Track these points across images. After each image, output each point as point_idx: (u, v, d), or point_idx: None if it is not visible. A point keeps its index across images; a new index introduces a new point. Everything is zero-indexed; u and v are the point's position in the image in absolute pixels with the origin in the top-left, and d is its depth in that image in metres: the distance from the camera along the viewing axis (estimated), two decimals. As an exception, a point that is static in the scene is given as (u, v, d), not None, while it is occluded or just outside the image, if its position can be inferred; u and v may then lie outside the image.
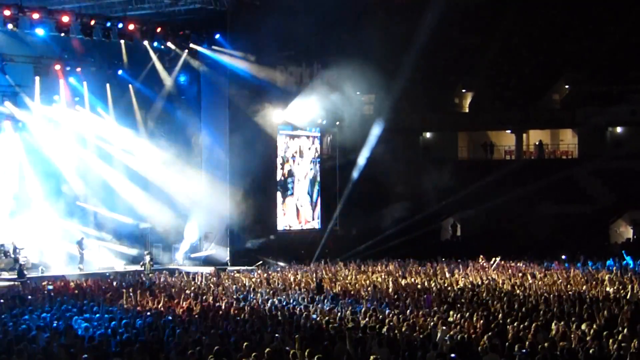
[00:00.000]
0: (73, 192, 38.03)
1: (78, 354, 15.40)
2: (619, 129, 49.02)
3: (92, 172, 38.34)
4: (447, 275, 30.64)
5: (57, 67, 37.17)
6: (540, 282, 27.83)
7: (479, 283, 27.81)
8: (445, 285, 27.32)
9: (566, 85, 50.82)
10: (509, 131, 50.55)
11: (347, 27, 42.65)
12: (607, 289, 25.58)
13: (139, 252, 37.98)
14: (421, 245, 40.62)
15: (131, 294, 23.81)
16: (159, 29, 36.63)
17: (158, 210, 38.30)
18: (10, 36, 34.41)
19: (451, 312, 20.47)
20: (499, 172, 43.62)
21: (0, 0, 31.70)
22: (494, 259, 34.74)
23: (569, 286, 26.65)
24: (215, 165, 39.43)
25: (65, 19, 32.82)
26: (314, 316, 20.21)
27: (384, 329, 17.87)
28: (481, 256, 35.92)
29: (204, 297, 23.88)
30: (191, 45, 38.26)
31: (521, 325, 18.10)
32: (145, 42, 37.11)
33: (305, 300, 23.80)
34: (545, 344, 15.81)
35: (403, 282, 28.49)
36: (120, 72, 39.28)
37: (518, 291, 25.39)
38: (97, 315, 20.54)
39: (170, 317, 20.08)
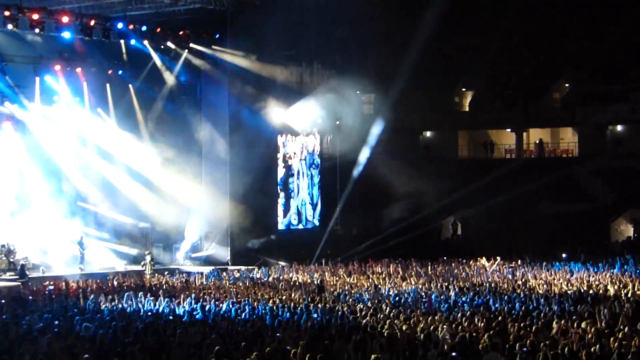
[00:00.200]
0: (74, 192, 38.00)
1: (79, 355, 15.40)
2: (619, 128, 48.98)
3: (93, 172, 38.30)
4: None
5: (57, 67, 37.07)
6: (540, 282, 27.83)
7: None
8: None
9: (566, 84, 50.82)
10: (509, 130, 50.52)
11: (347, 27, 42.60)
12: (609, 287, 25.60)
13: (139, 252, 37.91)
14: (421, 245, 40.63)
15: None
16: (159, 29, 36.65)
17: (159, 210, 38.26)
18: (10, 36, 34.32)
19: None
20: (499, 171, 43.52)
21: (1, 0, 31.68)
22: (492, 260, 34.74)
23: (569, 285, 26.66)
24: (216, 165, 39.42)
25: (65, 19, 32.78)
26: (315, 315, 20.21)
27: (385, 329, 17.87)
28: (483, 257, 35.94)
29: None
30: (191, 45, 38.27)
31: (522, 324, 18.10)
32: (145, 42, 37.12)
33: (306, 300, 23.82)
34: (547, 343, 15.82)
35: (404, 284, 28.44)
36: (120, 72, 39.23)
37: (519, 290, 25.41)
38: (99, 315, 20.55)
39: (171, 317, 20.08)
